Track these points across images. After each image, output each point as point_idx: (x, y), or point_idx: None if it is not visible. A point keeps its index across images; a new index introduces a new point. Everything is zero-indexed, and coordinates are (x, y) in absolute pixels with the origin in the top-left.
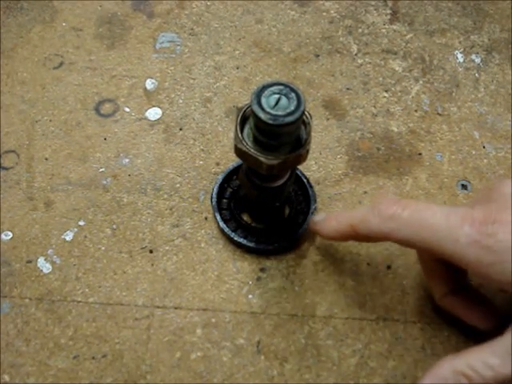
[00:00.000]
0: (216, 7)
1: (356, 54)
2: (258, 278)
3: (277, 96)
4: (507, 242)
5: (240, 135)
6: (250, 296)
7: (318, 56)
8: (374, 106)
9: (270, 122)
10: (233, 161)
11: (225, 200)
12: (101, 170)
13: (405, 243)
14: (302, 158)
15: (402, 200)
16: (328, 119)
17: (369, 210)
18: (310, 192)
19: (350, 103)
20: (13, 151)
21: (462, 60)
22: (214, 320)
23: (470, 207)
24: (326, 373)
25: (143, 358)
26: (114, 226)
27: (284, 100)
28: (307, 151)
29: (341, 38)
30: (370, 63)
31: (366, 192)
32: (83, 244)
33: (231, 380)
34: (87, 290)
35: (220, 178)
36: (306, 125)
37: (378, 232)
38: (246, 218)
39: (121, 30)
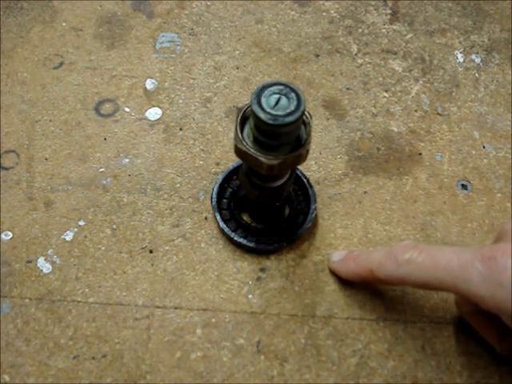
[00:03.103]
0: (216, 7)
1: (356, 54)
2: (258, 278)
3: (277, 96)
4: None
5: (240, 135)
6: (250, 296)
7: (317, 56)
8: (374, 106)
9: (270, 122)
10: (233, 161)
11: (225, 200)
12: (101, 169)
13: (422, 286)
14: (302, 158)
15: (418, 245)
16: (328, 119)
17: (386, 255)
18: (310, 192)
19: (349, 103)
20: (13, 151)
21: (462, 60)
22: (214, 320)
23: (480, 246)
24: (326, 373)
25: (143, 358)
26: (114, 226)
27: (284, 100)
28: (307, 151)
29: (341, 38)
30: (369, 63)
31: (365, 192)
32: (83, 244)
33: (231, 380)
34: (87, 289)
35: (220, 178)
36: (306, 125)
37: (395, 276)
38: (246, 217)
39: (121, 30)
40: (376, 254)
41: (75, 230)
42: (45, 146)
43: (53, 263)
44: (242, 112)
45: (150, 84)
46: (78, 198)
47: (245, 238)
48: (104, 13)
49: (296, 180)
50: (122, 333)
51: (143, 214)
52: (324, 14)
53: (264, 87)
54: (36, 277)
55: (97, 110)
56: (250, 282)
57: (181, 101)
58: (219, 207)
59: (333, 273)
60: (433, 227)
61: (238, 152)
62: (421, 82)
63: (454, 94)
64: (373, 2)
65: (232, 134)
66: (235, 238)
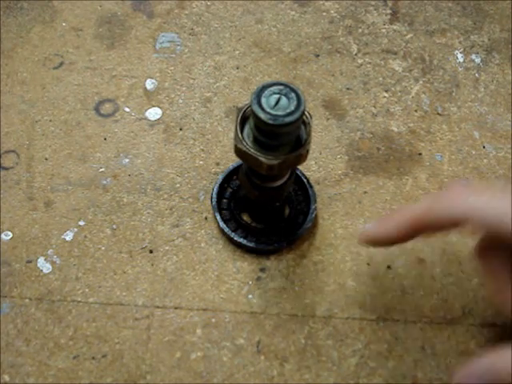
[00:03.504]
0: (216, 7)
1: (356, 54)
2: (258, 278)
3: (277, 96)
4: None
5: (240, 135)
6: (250, 296)
7: (317, 56)
8: (374, 106)
9: (270, 122)
10: (233, 161)
11: (225, 200)
12: (101, 169)
13: (481, 228)
14: (302, 158)
15: (476, 186)
16: (328, 119)
17: (438, 194)
18: (310, 192)
19: (350, 103)
20: (13, 151)
21: (462, 60)
22: (214, 320)
23: None
24: (326, 373)
25: (143, 358)
26: (114, 226)
27: (284, 100)
28: (307, 151)
29: (341, 38)
30: (369, 63)
31: (365, 192)
32: (83, 244)
33: (231, 380)
34: (87, 289)
35: (220, 178)
36: (306, 125)
37: (456, 211)
38: (246, 217)
39: (121, 30)
40: (419, 203)
41: (75, 230)
42: (45, 146)
43: (53, 263)
44: (242, 112)
45: (149, 84)
46: (78, 198)
47: (245, 238)
48: (104, 13)
49: (296, 180)
50: (121, 333)
51: (143, 214)
52: (324, 13)
53: (264, 87)
54: (36, 277)
55: (97, 109)
56: (250, 282)
57: (181, 101)
58: (219, 207)
59: (364, 244)
60: None
61: (238, 152)
62: (421, 82)
63: (454, 94)
64: (373, 2)
65: (232, 134)
66: (235, 238)
